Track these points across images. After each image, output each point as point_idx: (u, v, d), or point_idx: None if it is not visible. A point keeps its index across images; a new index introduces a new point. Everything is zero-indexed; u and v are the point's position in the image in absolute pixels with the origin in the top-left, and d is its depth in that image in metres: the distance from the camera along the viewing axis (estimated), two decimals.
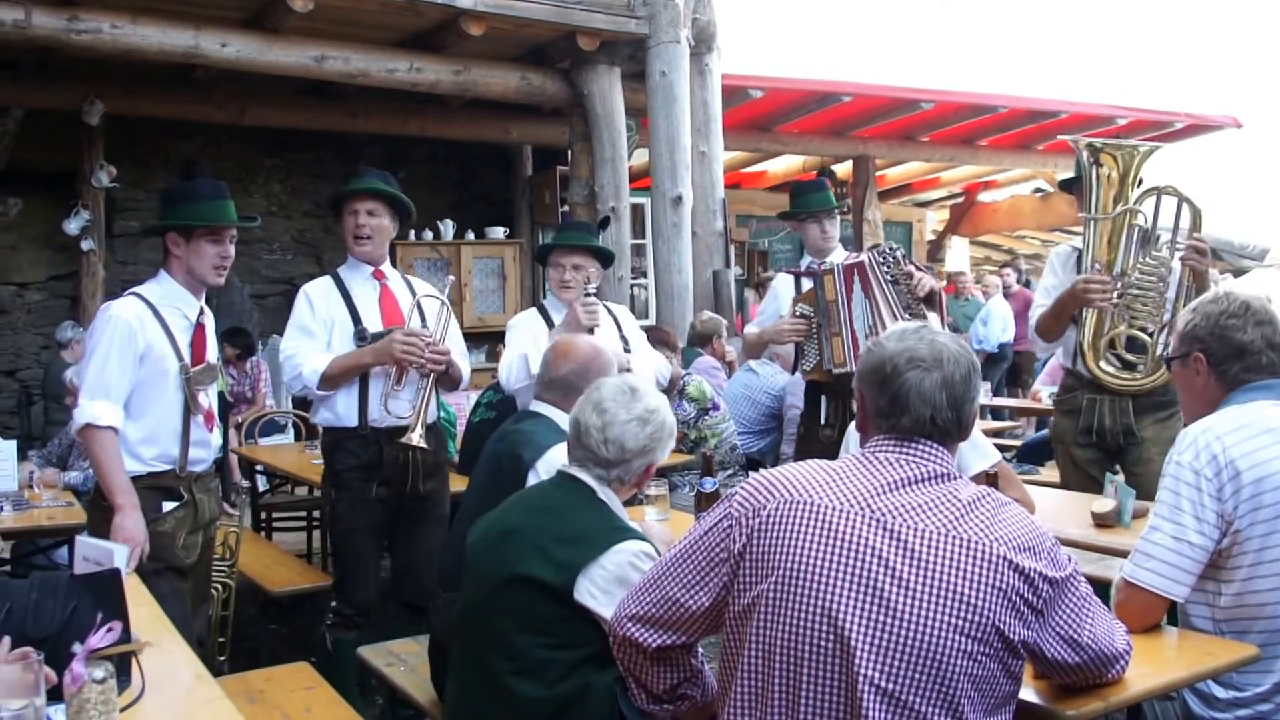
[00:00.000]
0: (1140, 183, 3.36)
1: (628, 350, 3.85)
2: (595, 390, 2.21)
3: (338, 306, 3.45)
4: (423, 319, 3.51)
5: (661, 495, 3.07)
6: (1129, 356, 3.43)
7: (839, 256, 4.17)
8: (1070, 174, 3.78)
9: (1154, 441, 3.38)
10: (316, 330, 3.42)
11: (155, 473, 2.92)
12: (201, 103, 7.27)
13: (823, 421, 3.92)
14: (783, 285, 4.33)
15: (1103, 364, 3.43)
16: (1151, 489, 2.90)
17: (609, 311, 3.92)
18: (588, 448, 2.15)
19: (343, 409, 3.41)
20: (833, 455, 2.95)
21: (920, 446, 1.69)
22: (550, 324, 3.75)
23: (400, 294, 3.54)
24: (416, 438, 3.31)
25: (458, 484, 4.04)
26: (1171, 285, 3.34)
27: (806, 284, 4.14)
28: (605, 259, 3.94)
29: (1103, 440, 3.52)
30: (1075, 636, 1.66)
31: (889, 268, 3.71)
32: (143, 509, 2.86)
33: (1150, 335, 3.38)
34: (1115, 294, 3.36)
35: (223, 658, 3.63)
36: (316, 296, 3.46)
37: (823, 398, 3.93)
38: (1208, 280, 3.28)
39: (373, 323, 3.43)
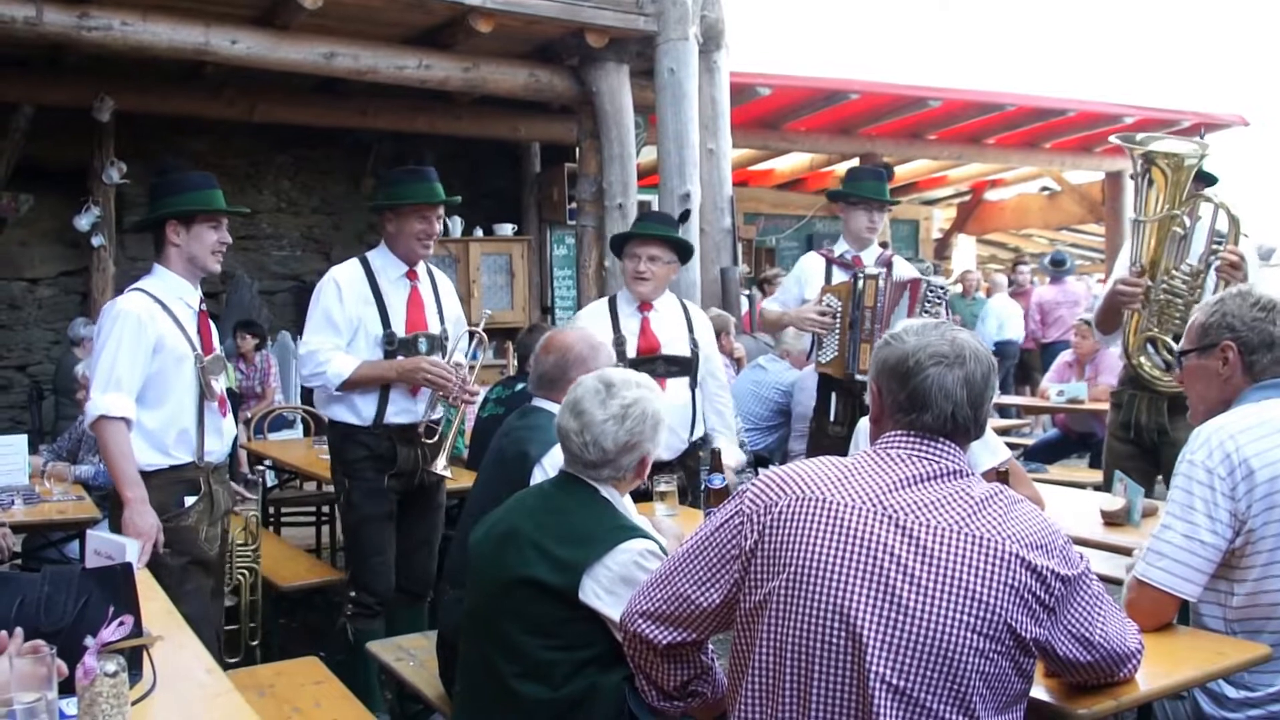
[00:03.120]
0: (1189, 184, 3.31)
1: (695, 351, 3.69)
2: (574, 390, 2.17)
3: (366, 305, 3.41)
4: (443, 343, 3.50)
5: (671, 491, 3.07)
6: (1168, 357, 3.42)
7: (872, 254, 4.14)
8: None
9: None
10: (342, 326, 3.38)
11: (177, 465, 2.95)
12: (211, 99, 7.29)
13: (832, 419, 3.91)
14: (811, 267, 4.20)
15: (1142, 359, 3.44)
16: None
17: (685, 312, 3.81)
18: (571, 451, 2.13)
19: (361, 408, 3.41)
20: (842, 452, 2.94)
21: (936, 445, 1.68)
22: (615, 319, 3.67)
23: (427, 296, 3.54)
24: (441, 467, 3.36)
25: (448, 480, 4.07)
26: (1206, 294, 3.31)
27: (837, 272, 4.10)
28: (684, 252, 3.79)
29: (1139, 437, 3.52)
30: (1087, 635, 1.65)
31: (931, 304, 3.72)
32: (165, 503, 2.90)
33: (1177, 340, 3.37)
34: (1145, 296, 3.35)
35: (255, 642, 3.64)
36: (347, 289, 3.40)
37: (833, 394, 3.92)
38: None
39: (399, 325, 3.42)
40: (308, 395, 7.30)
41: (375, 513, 3.45)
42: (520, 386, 4.29)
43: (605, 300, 3.86)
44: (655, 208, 6.35)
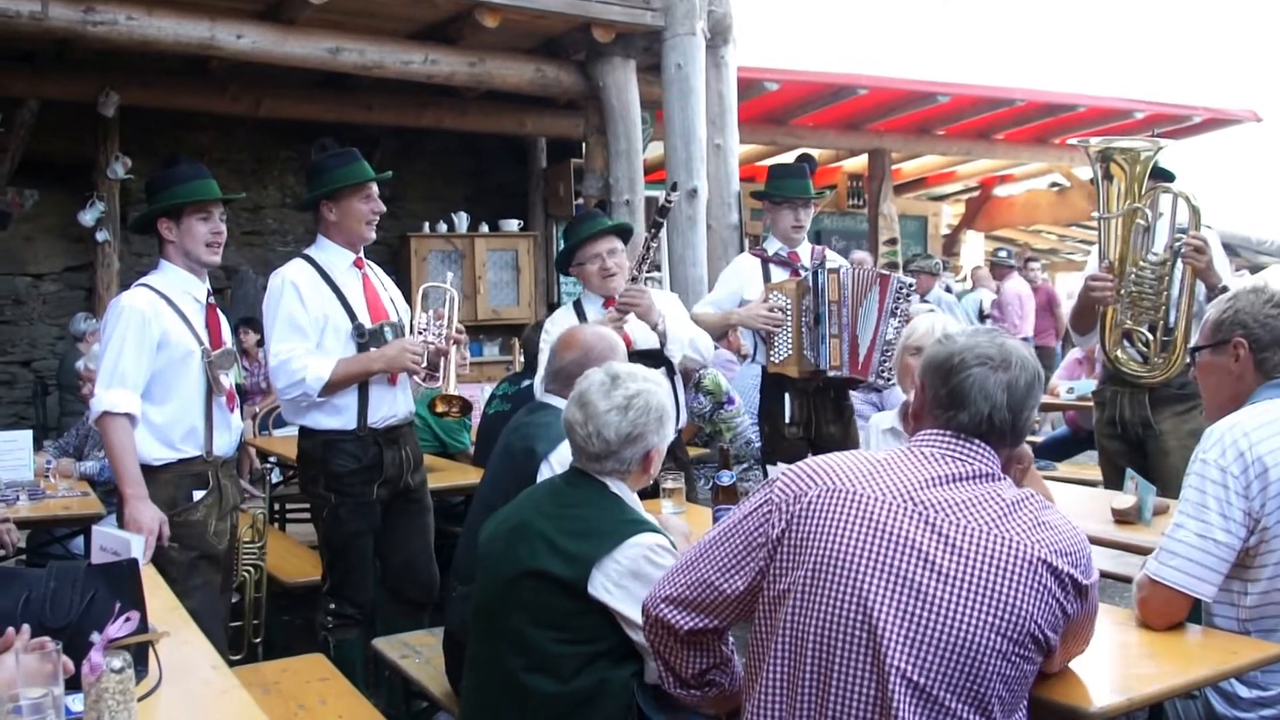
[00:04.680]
0: (1147, 179, 3.35)
1: (664, 340, 3.64)
2: (580, 383, 2.17)
3: (329, 301, 3.27)
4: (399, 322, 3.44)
5: (679, 488, 3.06)
6: (1144, 349, 3.43)
7: (805, 250, 4.11)
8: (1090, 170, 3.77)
9: (1172, 434, 3.40)
10: (308, 329, 3.22)
11: (185, 459, 2.95)
12: (217, 94, 7.29)
13: (787, 420, 3.86)
14: (748, 267, 4.12)
15: (1118, 353, 3.46)
16: (1171, 481, 2.88)
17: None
18: (575, 444, 2.13)
19: (342, 411, 3.27)
20: (800, 455, 2.90)
21: (970, 445, 1.69)
22: (584, 321, 3.61)
23: (378, 284, 3.44)
24: (453, 385, 3.33)
25: (454, 476, 4.05)
26: (1175, 283, 3.33)
27: (776, 271, 4.04)
28: (627, 234, 3.83)
29: (1125, 432, 3.53)
30: (1074, 639, 1.69)
31: (899, 301, 3.70)
32: (174, 498, 2.91)
33: (1153, 332, 3.38)
34: (1116, 291, 3.36)
35: (258, 640, 3.63)
36: (306, 288, 3.25)
37: (786, 395, 3.87)
38: (1213, 278, 3.26)
39: (364, 316, 3.31)
40: None
41: (364, 528, 3.33)
42: (527, 383, 4.29)
43: (569, 306, 3.81)
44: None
